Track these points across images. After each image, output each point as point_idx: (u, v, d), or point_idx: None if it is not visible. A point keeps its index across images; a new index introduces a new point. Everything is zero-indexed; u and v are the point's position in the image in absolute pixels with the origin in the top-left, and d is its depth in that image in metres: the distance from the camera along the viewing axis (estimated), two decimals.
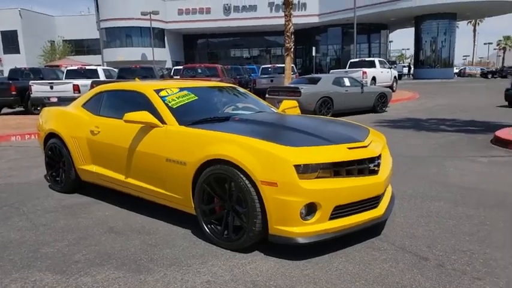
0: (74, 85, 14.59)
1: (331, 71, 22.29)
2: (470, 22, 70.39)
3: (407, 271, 2.74)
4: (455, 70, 49.65)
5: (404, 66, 53.42)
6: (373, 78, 20.01)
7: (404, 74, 48.55)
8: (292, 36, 17.41)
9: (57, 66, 29.90)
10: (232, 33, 51.00)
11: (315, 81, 12.93)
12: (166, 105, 3.89)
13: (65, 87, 14.62)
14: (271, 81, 20.18)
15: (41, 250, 3.27)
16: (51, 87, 14.69)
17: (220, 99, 4.58)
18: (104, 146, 4.25)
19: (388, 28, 47.74)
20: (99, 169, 4.38)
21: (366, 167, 3.17)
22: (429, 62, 40.60)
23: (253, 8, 46.56)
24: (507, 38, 79.14)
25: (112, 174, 4.21)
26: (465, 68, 56.40)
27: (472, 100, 17.54)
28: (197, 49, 55.58)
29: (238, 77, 20.80)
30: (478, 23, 73.41)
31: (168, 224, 3.76)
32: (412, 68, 47.61)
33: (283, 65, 22.50)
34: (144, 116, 3.70)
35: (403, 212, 3.89)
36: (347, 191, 3.01)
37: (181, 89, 4.22)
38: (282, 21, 47.41)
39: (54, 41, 49.22)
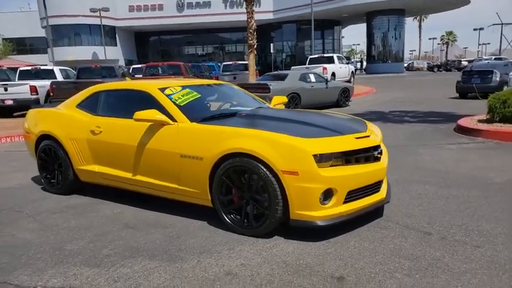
0: (31, 86, 13.97)
1: (292, 67, 22.82)
2: (416, 18, 74.12)
3: (417, 245, 3.10)
4: (404, 64, 52.15)
5: (357, 62, 55.46)
6: (333, 74, 20.76)
7: (358, 69, 50.47)
8: (255, 33, 17.68)
9: None
10: (186, 30, 50.53)
11: (282, 77, 13.28)
12: (174, 103, 4.02)
13: (20, 89, 13.95)
14: (234, 78, 20.38)
15: (65, 248, 3.33)
16: (5, 89, 13.97)
17: (220, 96, 4.76)
18: (107, 145, 4.30)
19: (340, 24, 49.32)
20: (103, 168, 4.43)
21: (371, 154, 3.50)
22: (381, 57, 42.47)
23: (207, 4, 46.41)
24: (449, 33, 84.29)
25: (117, 173, 4.28)
26: (413, 62, 59.40)
27: (425, 93, 18.66)
28: (149, 47, 54.55)
29: (200, 74, 20.80)
30: (423, 19, 77.49)
31: (181, 217, 3.90)
32: (365, 63, 49.51)
33: (244, 62, 22.87)
34: (155, 114, 3.82)
35: (396, 195, 4.27)
36: (357, 177, 3.32)
37: (184, 87, 4.36)
38: (236, 17, 47.34)
39: None
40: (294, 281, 2.64)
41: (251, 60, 17.50)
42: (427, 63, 62.16)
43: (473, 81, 15.29)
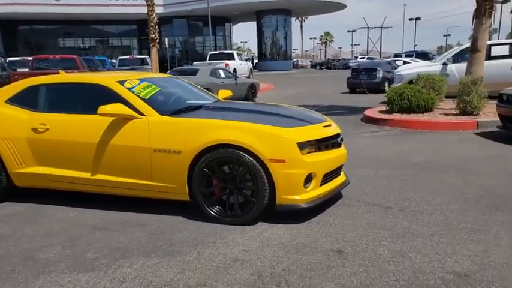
0: None
1: (195, 63, 22.73)
2: (298, 18, 79.17)
3: (385, 217, 3.55)
4: None
5: (249, 59, 57.40)
6: (234, 70, 21.19)
7: None
8: (157, 27, 17.18)
9: None
10: (64, 20, 46.22)
11: (192, 73, 13.28)
12: (138, 96, 3.87)
13: None
14: None
15: (37, 257, 3.02)
16: None
17: (176, 89, 4.68)
18: (57, 144, 3.95)
19: (231, 21, 50.30)
20: (50, 170, 4.04)
21: (335, 141, 3.87)
22: (271, 55, 44.56)
23: None
24: (327, 34, 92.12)
25: (71, 174, 3.96)
26: (298, 61, 63.36)
27: (318, 88, 20.27)
28: (18, 37, 48.49)
29: (95, 68, 19.45)
30: (304, 20, 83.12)
31: (152, 214, 3.79)
32: (256, 61, 51.43)
33: (141, 56, 22.10)
34: (121, 108, 3.66)
35: None
36: (329, 162, 3.66)
37: (141, 80, 4.21)
38: (122, 9, 44.53)
39: None
40: (301, 258, 2.84)
41: (154, 55, 17.02)
42: (310, 61, 67.13)
43: (361, 78, 17.16)
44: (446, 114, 8.49)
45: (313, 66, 59.57)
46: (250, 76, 23.94)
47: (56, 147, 3.96)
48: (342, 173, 4.09)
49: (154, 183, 3.68)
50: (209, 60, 22.27)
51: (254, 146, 3.31)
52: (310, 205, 3.45)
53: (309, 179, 3.45)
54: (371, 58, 50.33)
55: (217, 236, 3.27)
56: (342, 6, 45.02)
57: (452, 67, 11.54)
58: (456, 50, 12.28)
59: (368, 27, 78.10)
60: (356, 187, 4.41)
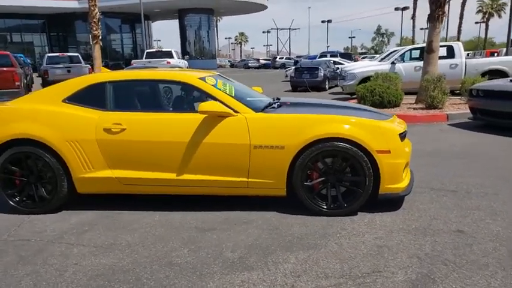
0: None
1: (133, 61, 21.65)
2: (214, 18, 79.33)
3: (462, 200, 3.95)
4: None
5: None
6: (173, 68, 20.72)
7: None
8: (99, 23, 16.11)
9: None
10: None
11: None
12: (225, 93, 3.81)
13: None
14: (68, 71, 18.14)
15: (176, 261, 2.89)
16: None
17: (237, 87, 4.62)
18: (137, 144, 3.71)
19: (150, 19, 48.66)
20: (125, 173, 3.78)
21: (406, 132, 4.20)
22: (196, 54, 44.10)
23: None
24: (242, 34, 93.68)
25: (151, 175, 3.75)
26: (217, 60, 63.56)
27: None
28: None
29: (25, 65, 17.64)
30: (219, 20, 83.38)
31: (243, 211, 3.77)
32: None
33: (72, 54, 20.49)
34: (219, 106, 3.59)
35: None
36: (410, 151, 3.97)
37: (215, 77, 4.13)
38: (28, 2, 40.67)
39: None
40: (436, 240, 3.10)
41: (97, 52, 15.94)
42: (229, 61, 67.80)
43: (304, 77, 18.03)
44: (414, 109, 9.41)
45: (232, 65, 60.33)
46: None
47: (135, 148, 3.71)
48: None
49: (250, 180, 3.66)
50: (146, 58, 21.43)
51: (362, 139, 3.49)
52: (406, 192, 3.73)
53: (404, 168, 3.73)
54: (289, 58, 52.59)
55: (336, 227, 3.39)
56: (263, 7, 46.24)
57: (400, 66, 12.71)
58: (402, 50, 13.51)
59: (278, 29, 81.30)
60: None
